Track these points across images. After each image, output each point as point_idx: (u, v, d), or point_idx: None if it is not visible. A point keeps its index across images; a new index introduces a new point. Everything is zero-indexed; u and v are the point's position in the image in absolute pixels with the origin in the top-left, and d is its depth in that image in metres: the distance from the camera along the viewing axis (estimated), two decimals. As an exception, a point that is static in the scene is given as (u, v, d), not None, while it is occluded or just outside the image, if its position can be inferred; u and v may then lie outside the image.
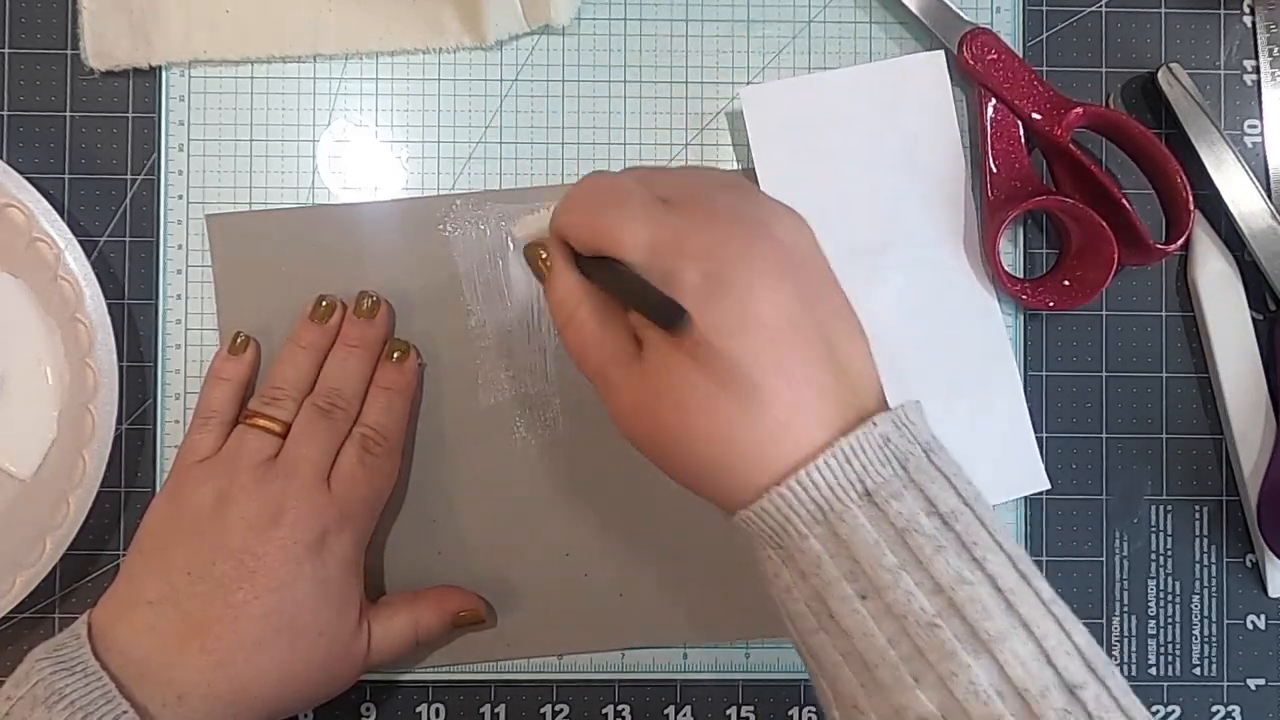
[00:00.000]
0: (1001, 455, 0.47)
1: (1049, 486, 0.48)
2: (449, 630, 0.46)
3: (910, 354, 0.47)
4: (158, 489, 0.47)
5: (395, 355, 0.46)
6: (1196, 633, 0.49)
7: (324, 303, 0.46)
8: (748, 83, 0.48)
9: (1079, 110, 0.46)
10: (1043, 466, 0.47)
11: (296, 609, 0.41)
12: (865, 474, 0.32)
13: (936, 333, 0.47)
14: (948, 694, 0.30)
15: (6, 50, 0.48)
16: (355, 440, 0.44)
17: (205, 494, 0.41)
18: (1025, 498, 0.48)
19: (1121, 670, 0.48)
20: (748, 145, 0.47)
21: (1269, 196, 0.47)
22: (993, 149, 0.47)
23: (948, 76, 0.48)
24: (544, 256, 0.38)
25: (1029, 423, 0.47)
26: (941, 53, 0.48)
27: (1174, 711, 0.48)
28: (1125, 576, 0.49)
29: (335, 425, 0.44)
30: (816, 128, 0.47)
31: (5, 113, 0.47)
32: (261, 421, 0.43)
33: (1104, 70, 0.49)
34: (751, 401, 0.33)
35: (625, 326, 0.36)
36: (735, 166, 0.48)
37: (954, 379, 0.47)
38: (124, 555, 0.42)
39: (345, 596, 0.43)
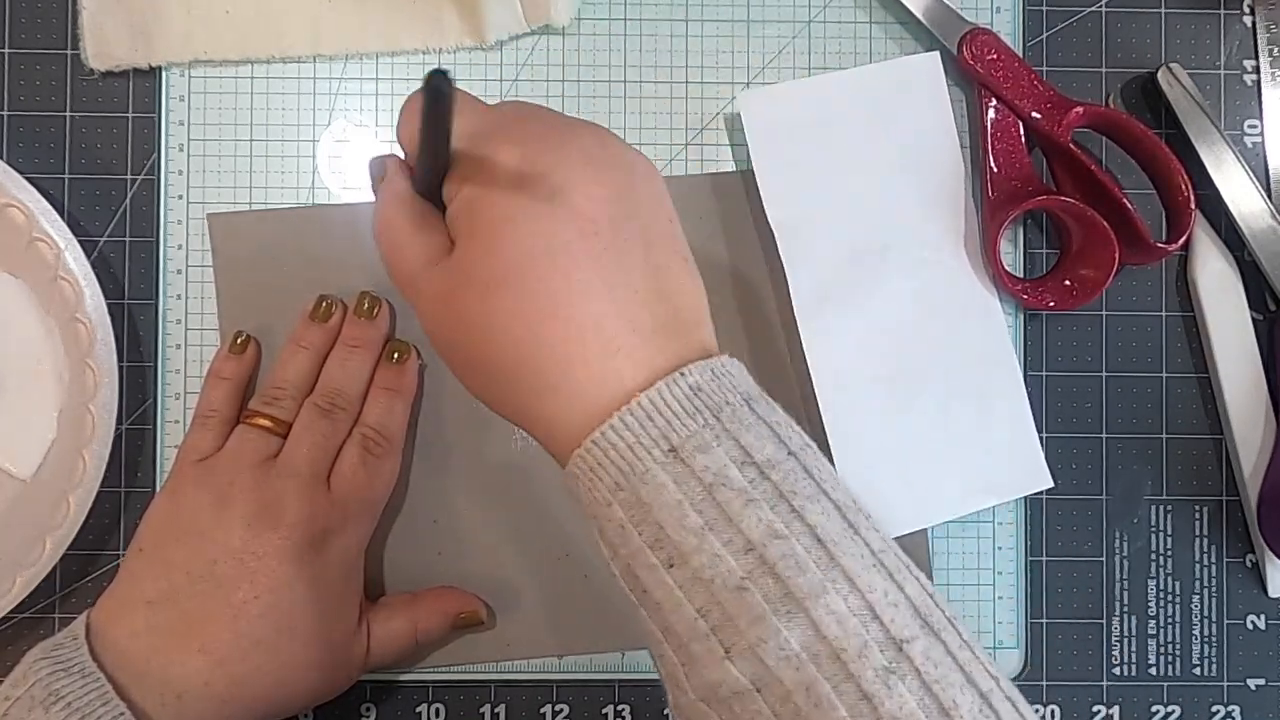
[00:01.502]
0: (1004, 454, 0.47)
1: (1053, 484, 0.48)
2: (448, 631, 0.46)
3: (912, 354, 0.47)
4: (158, 489, 0.46)
5: (396, 356, 0.46)
6: (1196, 633, 0.49)
7: (324, 303, 0.46)
8: (748, 83, 0.48)
9: (1079, 110, 0.46)
10: (1045, 465, 0.47)
11: (296, 609, 0.40)
12: (670, 429, 0.30)
13: (938, 333, 0.47)
14: (758, 662, 0.28)
15: (6, 50, 0.48)
16: (356, 441, 0.44)
17: (205, 494, 0.41)
18: (1026, 498, 0.48)
19: (1121, 670, 0.48)
20: (747, 146, 0.47)
21: (1269, 196, 0.47)
22: (993, 149, 0.47)
23: (944, 77, 0.48)
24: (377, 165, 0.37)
25: (1031, 421, 0.47)
26: (937, 53, 0.48)
27: (1174, 711, 0.48)
28: (1125, 576, 0.49)
29: (336, 425, 0.44)
30: (815, 131, 0.47)
31: (5, 113, 0.47)
32: (262, 421, 0.43)
33: (1104, 70, 0.49)
34: (568, 293, 0.31)
35: (440, 230, 0.34)
36: (735, 167, 0.48)
37: (956, 379, 0.47)
38: (124, 555, 0.42)
39: (345, 597, 0.43)
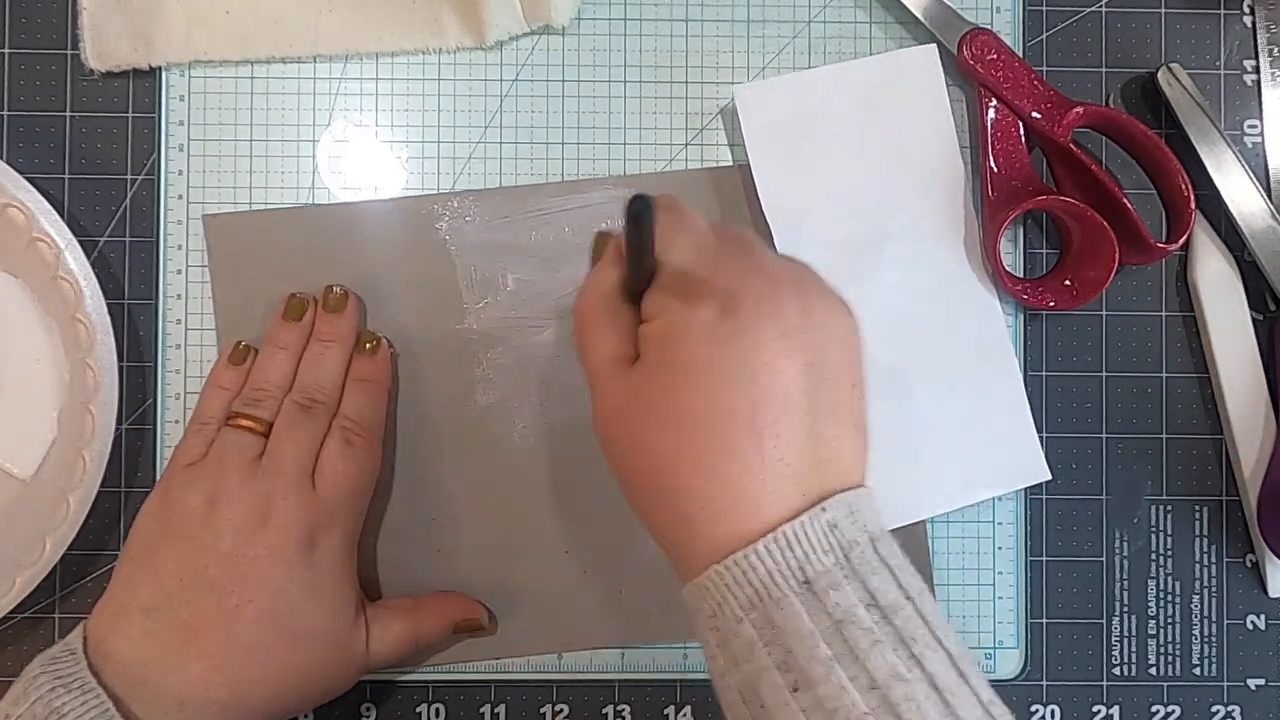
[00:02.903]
0: (1002, 446, 0.47)
1: (1050, 477, 0.48)
2: (449, 637, 0.46)
3: (910, 346, 0.47)
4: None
5: (368, 346, 0.46)
6: (1196, 633, 0.49)
7: (295, 300, 0.46)
8: (748, 82, 0.48)
9: (1079, 110, 0.46)
10: (1043, 457, 0.47)
11: (291, 610, 0.40)
12: (807, 561, 0.32)
13: (935, 324, 0.47)
14: None
15: (6, 50, 0.48)
16: (335, 433, 0.44)
17: (193, 497, 0.41)
18: (1026, 498, 0.48)
19: (1121, 670, 0.48)
20: (744, 142, 0.47)
21: (1269, 196, 0.47)
22: (993, 149, 0.47)
23: (941, 69, 0.48)
24: (599, 244, 0.39)
25: (1029, 413, 0.47)
26: (934, 46, 0.48)
27: (1174, 711, 0.48)
28: (1125, 576, 0.49)
29: (316, 420, 0.44)
30: (811, 124, 0.47)
31: (5, 113, 0.47)
32: (245, 422, 0.43)
33: (1104, 70, 0.49)
34: (712, 451, 0.33)
35: (632, 333, 0.36)
36: (733, 165, 0.48)
37: (953, 371, 0.47)
38: (117, 561, 0.42)
39: (339, 595, 0.43)
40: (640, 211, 0.32)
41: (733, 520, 0.32)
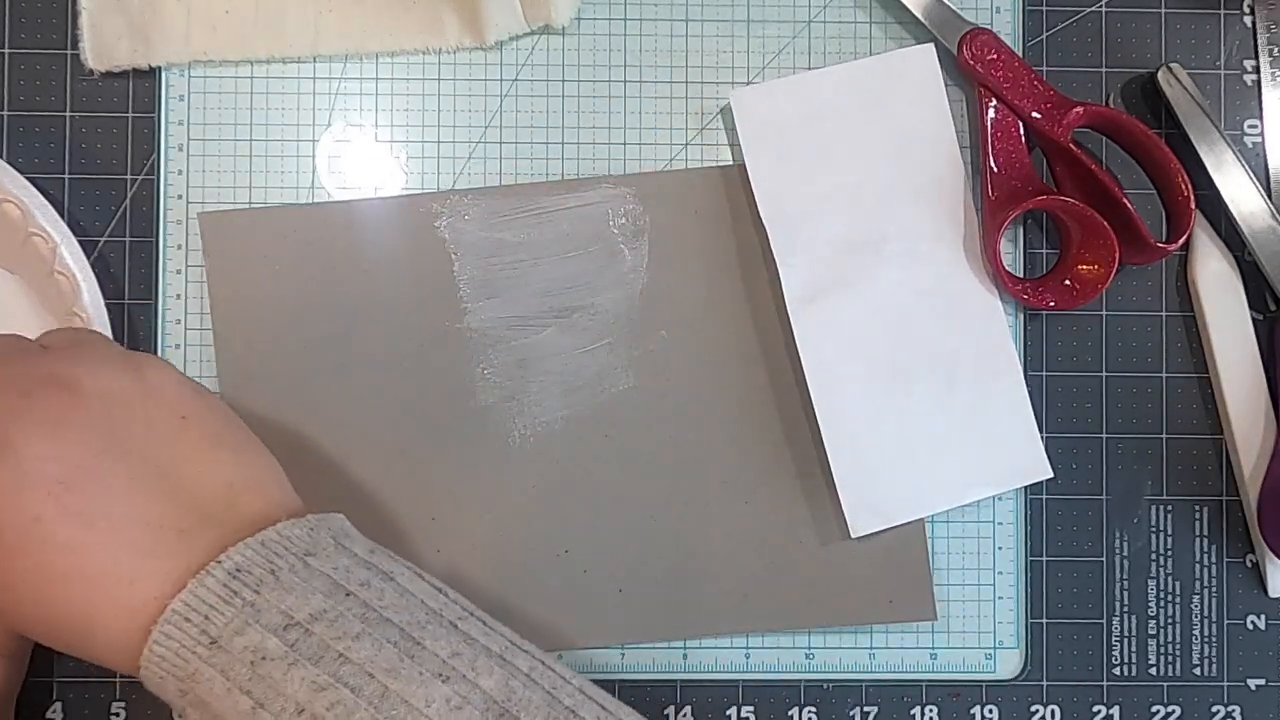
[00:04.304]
0: (1004, 443, 0.47)
1: (1052, 475, 0.48)
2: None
3: (909, 345, 0.47)
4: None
5: None
6: (1196, 633, 0.49)
7: None
8: (748, 82, 0.48)
9: (1079, 110, 0.46)
10: (1045, 455, 0.47)
11: None
12: (208, 622, 0.31)
13: (935, 323, 0.47)
14: None
15: (6, 50, 0.48)
16: None
17: None
18: (1026, 497, 0.48)
19: (1121, 670, 0.48)
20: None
21: (1269, 196, 0.47)
22: (993, 148, 0.47)
23: (939, 69, 0.48)
24: None
25: (1030, 411, 0.47)
26: (931, 46, 0.48)
27: (1174, 711, 0.48)
28: (1125, 576, 0.49)
29: None
30: (808, 126, 0.47)
31: (5, 113, 0.47)
32: None
33: (1104, 70, 0.49)
34: (55, 557, 0.31)
35: None
36: (734, 165, 0.48)
37: (954, 369, 0.47)
38: None
39: None
40: None
41: (126, 623, 0.31)
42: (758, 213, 0.47)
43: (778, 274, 0.47)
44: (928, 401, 0.47)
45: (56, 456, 0.32)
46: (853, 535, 0.46)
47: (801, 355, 0.47)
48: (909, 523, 0.47)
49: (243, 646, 0.30)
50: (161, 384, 0.36)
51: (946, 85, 0.48)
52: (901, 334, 0.47)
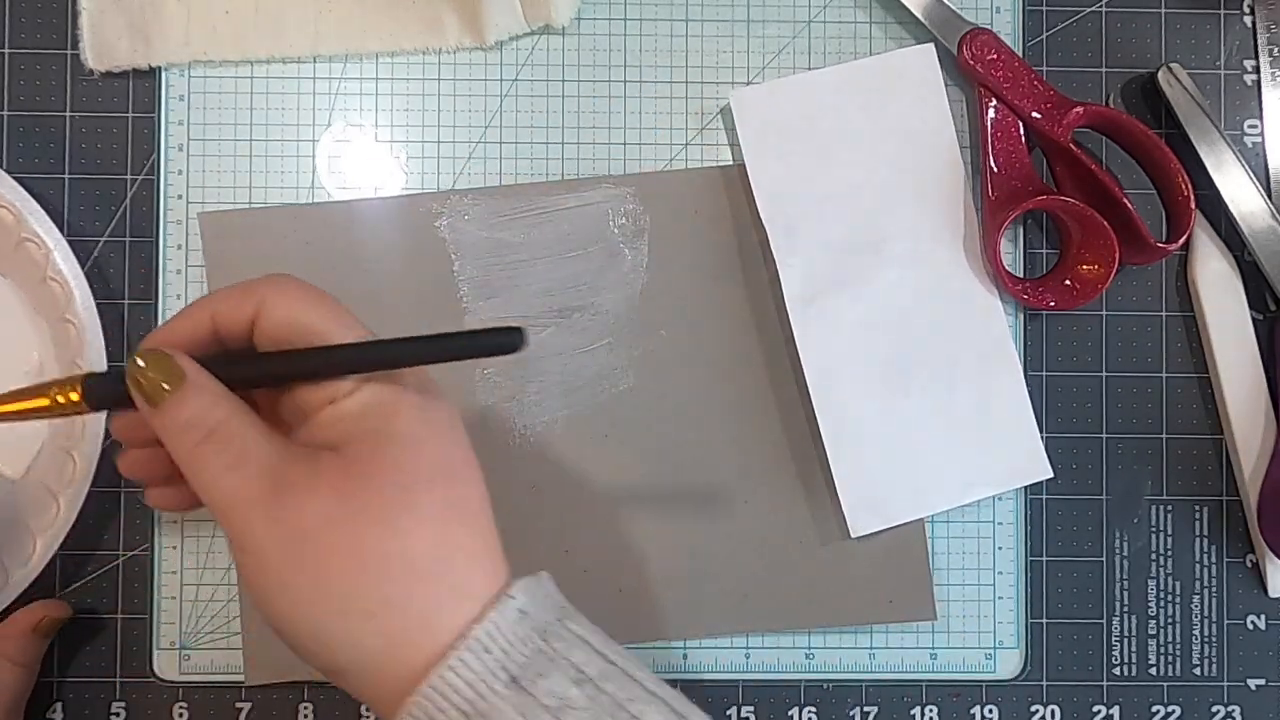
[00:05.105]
0: (1004, 444, 0.47)
1: (1052, 475, 0.48)
2: (42, 643, 0.45)
3: (910, 345, 0.47)
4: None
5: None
6: (1196, 633, 0.49)
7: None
8: (748, 82, 0.48)
9: (1079, 110, 0.46)
10: (1045, 455, 0.47)
11: None
12: (507, 658, 0.30)
13: (936, 323, 0.47)
14: None
15: (6, 50, 0.48)
16: None
17: None
18: (1026, 497, 0.48)
19: (1121, 670, 0.48)
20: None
21: (1269, 196, 0.47)
22: (993, 148, 0.47)
23: (939, 69, 0.48)
24: (148, 373, 0.31)
25: (1031, 411, 0.47)
26: (931, 46, 0.48)
27: (1174, 711, 0.48)
28: (1125, 576, 0.49)
29: None
30: (808, 126, 0.47)
31: (5, 113, 0.47)
32: None
33: (1104, 70, 0.49)
34: (440, 543, 0.30)
35: (272, 434, 0.31)
36: (734, 165, 0.48)
37: (954, 369, 0.47)
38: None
39: None
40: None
41: (420, 632, 0.30)
42: (758, 213, 0.47)
43: (778, 274, 0.47)
44: (928, 402, 0.47)
45: (452, 428, 0.32)
46: (853, 535, 0.46)
47: (801, 355, 0.47)
48: (909, 523, 0.47)
49: (546, 691, 0.29)
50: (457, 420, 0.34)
51: (946, 85, 0.48)
52: (901, 334, 0.47)
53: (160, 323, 0.47)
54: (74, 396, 0.32)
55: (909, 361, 0.47)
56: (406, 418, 0.31)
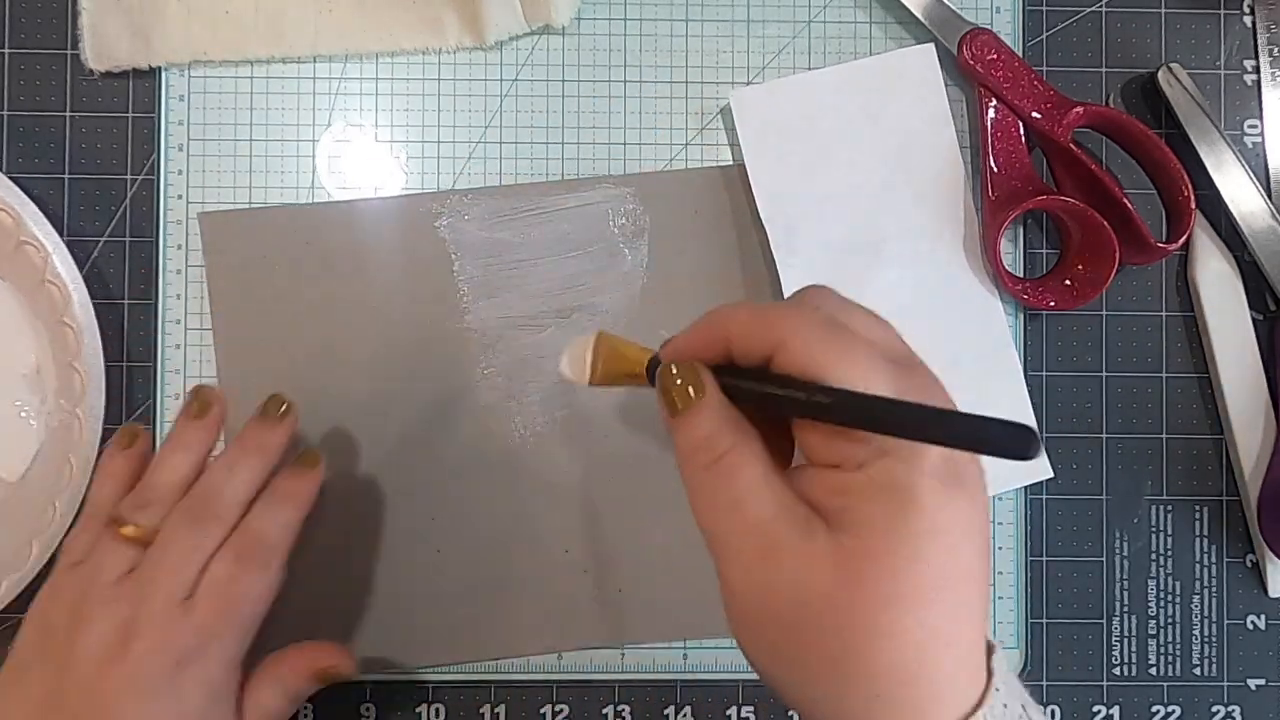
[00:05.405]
0: None
1: (1052, 474, 0.48)
2: (314, 686, 0.42)
3: (910, 344, 0.47)
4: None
5: (307, 460, 0.42)
6: (1196, 633, 0.49)
7: (201, 394, 0.42)
8: (748, 83, 0.48)
9: (1079, 110, 0.46)
10: (1045, 455, 0.47)
11: None
12: None
13: (935, 324, 0.47)
14: None
15: (6, 50, 0.48)
16: (230, 548, 0.39)
17: (60, 610, 0.38)
18: (1026, 497, 0.48)
19: (1121, 670, 0.48)
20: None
21: (1269, 196, 0.47)
22: (993, 148, 0.47)
23: (939, 68, 0.48)
24: (679, 382, 0.31)
25: (1030, 411, 0.47)
26: (931, 46, 0.48)
27: (1174, 711, 0.48)
28: (1125, 576, 0.49)
29: (206, 535, 0.39)
30: (808, 126, 0.47)
31: (5, 113, 0.47)
32: (126, 530, 0.39)
33: (1104, 70, 0.49)
34: (952, 623, 0.29)
35: (785, 484, 0.30)
36: (734, 165, 0.48)
37: (955, 369, 0.47)
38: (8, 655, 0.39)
39: None
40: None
41: (944, 709, 0.29)
42: (758, 213, 0.47)
43: (778, 274, 0.47)
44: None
45: (982, 476, 0.30)
46: None
47: None
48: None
49: None
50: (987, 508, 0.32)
51: (946, 85, 0.48)
52: (901, 333, 0.47)
53: (161, 323, 0.47)
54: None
55: None
56: (924, 512, 0.28)
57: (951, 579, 0.28)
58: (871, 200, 0.47)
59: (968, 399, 0.47)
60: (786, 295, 0.47)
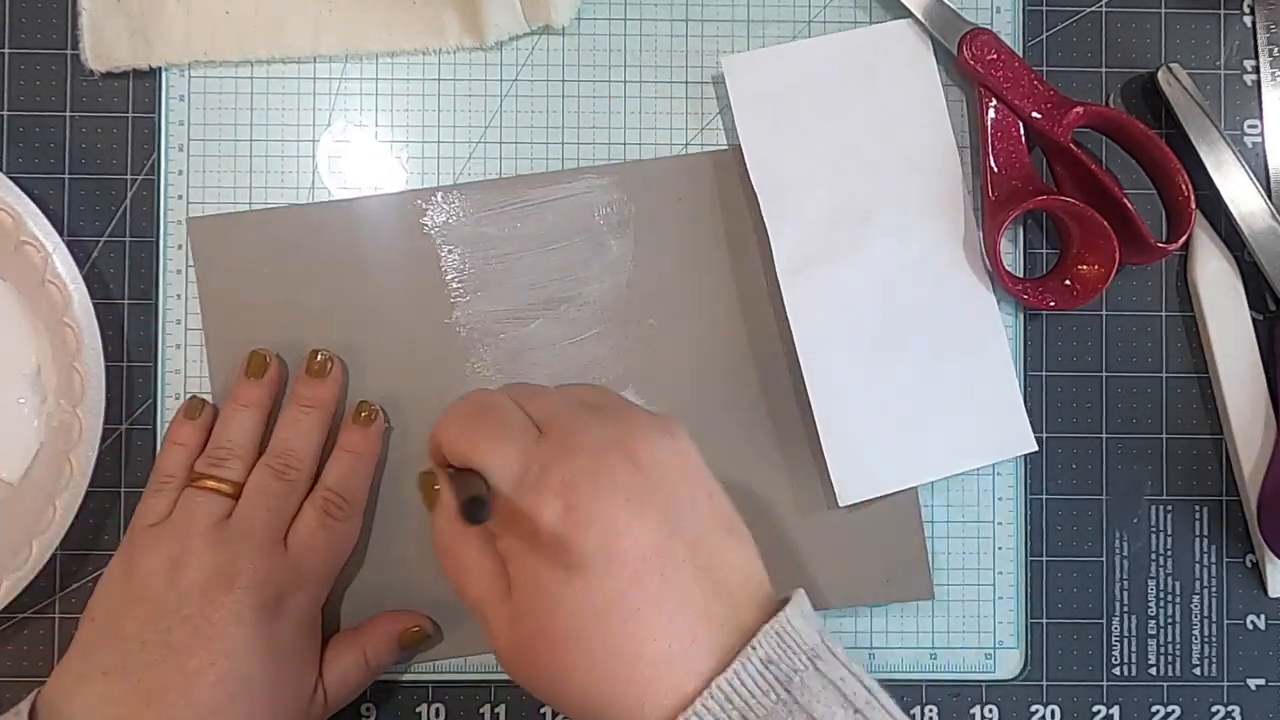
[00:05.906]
0: (989, 416, 0.47)
1: (1036, 447, 0.48)
2: (398, 653, 0.46)
3: (897, 316, 0.47)
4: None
5: (363, 416, 0.45)
6: (1196, 633, 0.49)
7: (256, 356, 0.45)
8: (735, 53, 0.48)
9: (1079, 110, 0.46)
10: (1029, 427, 0.47)
11: (252, 674, 0.40)
12: (749, 709, 0.31)
13: (923, 295, 0.47)
14: None
15: (6, 50, 0.48)
16: (315, 503, 0.43)
17: (158, 558, 0.40)
18: (1026, 497, 0.48)
19: (1121, 670, 0.48)
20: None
21: (1269, 196, 0.47)
22: (993, 148, 0.47)
23: (927, 42, 0.48)
24: (435, 485, 0.37)
25: (1016, 384, 0.47)
26: (907, 21, 0.48)
27: (1174, 711, 0.48)
28: (1125, 576, 0.49)
29: (291, 488, 0.43)
30: (799, 94, 0.47)
31: (5, 113, 0.47)
32: (210, 484, 0.42)
33: (1104, 70, 0.49)
34: (626, 639, 0.32)
35: (496, 556, 0.35)
36: (716, 149, 0.48)
37: (940, 341, 0.47)
38: (79, 624, 0.41)
39: (302, 658, 0.42)
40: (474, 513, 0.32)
41: (665, 685, 0.32)
42: (742, 196, 0.47)
43: (764, 256, 0.47)
44: (914, 373, 0.47)
45: (641, 538, 0.33)
46: (840, 504, 0.46)
47: (791, 324, 0.47)
48: (902, 500, 0.47)
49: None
50: (692, 456, 0.36)
51: (946, 86, 0.48)
52: (889, 306, 0.47)
53: (162, 323, 0.47)
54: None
55: (898, 331, 0.47)
56: (538, 576, 0.33)
57: (590, 623, 0.32)
58: (860, 172, 0.47)
59: (954, 369, 0.47)
60: (778, 263, 0.46)
